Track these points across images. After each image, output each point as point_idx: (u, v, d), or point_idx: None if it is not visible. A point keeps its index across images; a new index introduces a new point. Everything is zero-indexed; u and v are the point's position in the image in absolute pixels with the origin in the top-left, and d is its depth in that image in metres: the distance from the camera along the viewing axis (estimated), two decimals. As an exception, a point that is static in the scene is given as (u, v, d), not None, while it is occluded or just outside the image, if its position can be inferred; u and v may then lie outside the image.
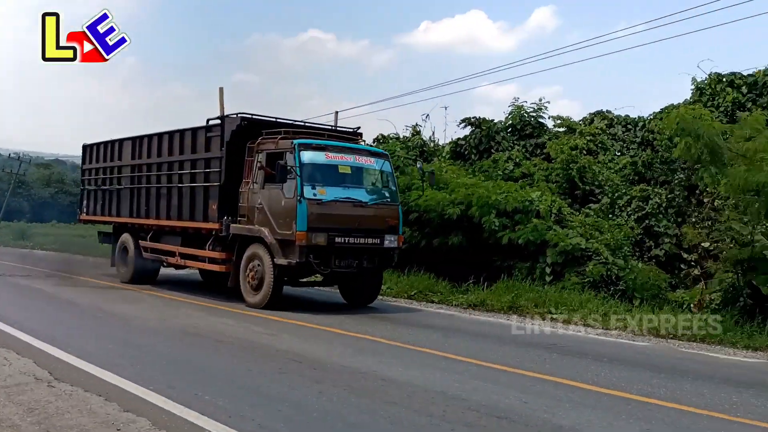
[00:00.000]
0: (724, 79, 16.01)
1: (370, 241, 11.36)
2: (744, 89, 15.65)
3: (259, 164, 11.54)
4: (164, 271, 15.22)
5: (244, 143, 11.92)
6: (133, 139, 14.75)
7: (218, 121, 12.28)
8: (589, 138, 17.74)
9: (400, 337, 9.12)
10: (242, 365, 7.31)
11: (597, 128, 18.35)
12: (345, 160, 11.65)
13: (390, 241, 11.57)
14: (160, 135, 13.94)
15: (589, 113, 19.56)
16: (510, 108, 19.63)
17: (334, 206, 11.12)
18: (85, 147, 16.69)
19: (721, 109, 15.35)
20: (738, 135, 10.96)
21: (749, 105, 15.13)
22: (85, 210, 16.63)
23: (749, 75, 15.86)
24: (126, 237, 14.85)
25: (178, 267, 14.18)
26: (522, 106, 19.38)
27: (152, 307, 11.75)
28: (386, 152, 13.52)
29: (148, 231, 14.21)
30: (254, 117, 12.22)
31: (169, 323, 10.03)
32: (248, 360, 7.61)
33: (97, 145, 16.15)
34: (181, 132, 13.26)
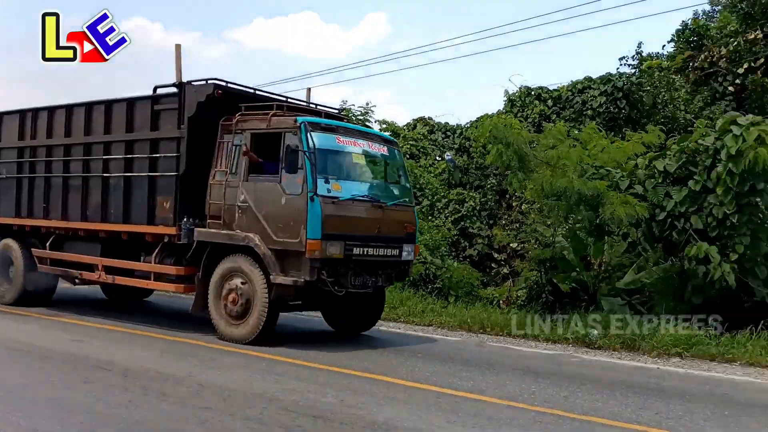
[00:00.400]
0: (533, 93, 17.27)
1: (389, 252, 9.00)
2: (549, 102, 16.99)
3: (242, 148, 8.72)
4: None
5: (212, 120, 9.00)
6: (20, 113, 11.12)
7: (174, 89, 9.31)
8: (411, 143, 18.42)
9: (219, 340, 8.80)
10: (41, 375, 6.76)
11: (419, 134, 19.11)
12: (358, 147, 9.12)
13: (407, 252, 9.28)
14: (68, 108, 10.52)
15: (413, 119, 20.33)
16: (339, 111, 19.88)
17: (351, 207, 8.64)
18: None
19: (530, 119, 16.54)
20: (543, 144, 11.87)
21: (554, 117, 16.43)
22: None
23: (554, 90, 17.26)
24: (10, 244, 11.33)
25: (84, 283, 11.38)
26: (350, 109, 19.67)
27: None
28: (395, 140, 11.35)
29: (47, 236, 10.90)
30: (230, 85, 9.17)
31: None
32: (49, 369, 7.04)
33: None
34: (108, 104, 10.06)
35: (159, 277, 9.52)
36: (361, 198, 8.81)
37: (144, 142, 9.57)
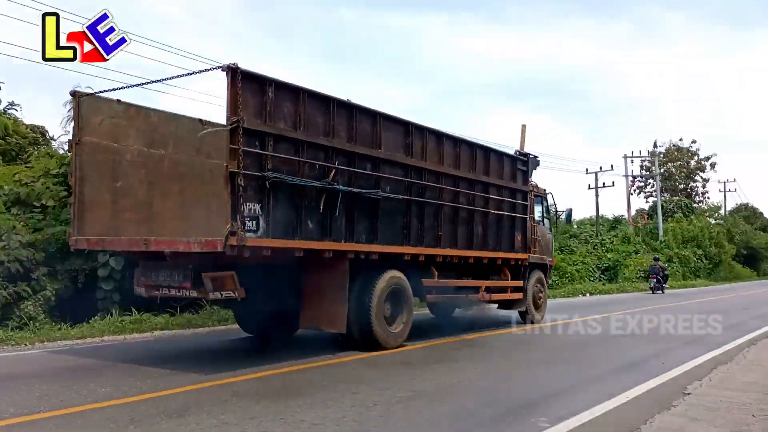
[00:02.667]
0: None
1: None
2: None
3: (549, 207, 14.76)
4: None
5: None
6: (406, 124, 10.04)
7: (522, 157, 13.20)
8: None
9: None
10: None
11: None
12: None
13: None
14: (457, 140, 11.18)
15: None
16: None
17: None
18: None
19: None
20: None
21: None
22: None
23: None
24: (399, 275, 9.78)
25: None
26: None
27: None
28: None
29: (424, 265, 10.40)
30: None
31: None
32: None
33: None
34: (488, 150, 12.11)
35: (513, 290, 12.79)
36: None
37: (503, 187, 12.30)
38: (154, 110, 8.87)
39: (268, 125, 7.59)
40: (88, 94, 9.08)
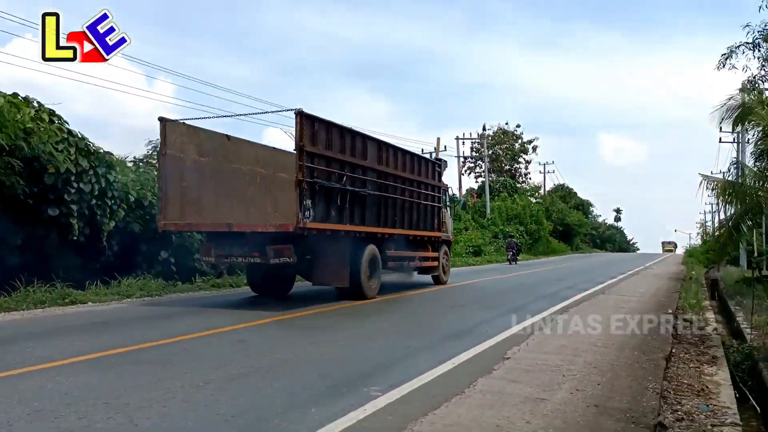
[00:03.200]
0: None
1: None
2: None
3: (446, 198, 19.15)
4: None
5: None
6: (379, 142, 14.16)
7: (437, 161, 18.26)
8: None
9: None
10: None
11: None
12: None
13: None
14: (404, 152, 15.34)
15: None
16: None
17: None
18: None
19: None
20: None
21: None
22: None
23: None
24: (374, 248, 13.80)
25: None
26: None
27: None
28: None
29: (382, 240, 14.25)
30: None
31: None
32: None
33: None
34: (419, 157, 16.82)
35: (432, 258, 17.13)
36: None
37: (428, 184, 16.53)
38: (201, 129, 12.70)
39: (315, 148, 11.33)
40: (170, 120, 11.98)
